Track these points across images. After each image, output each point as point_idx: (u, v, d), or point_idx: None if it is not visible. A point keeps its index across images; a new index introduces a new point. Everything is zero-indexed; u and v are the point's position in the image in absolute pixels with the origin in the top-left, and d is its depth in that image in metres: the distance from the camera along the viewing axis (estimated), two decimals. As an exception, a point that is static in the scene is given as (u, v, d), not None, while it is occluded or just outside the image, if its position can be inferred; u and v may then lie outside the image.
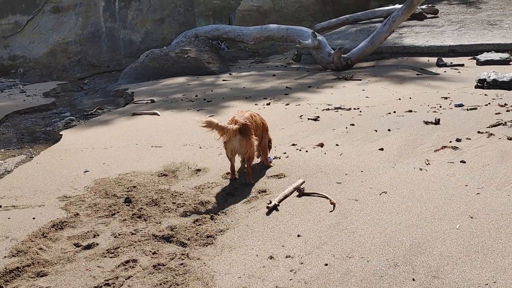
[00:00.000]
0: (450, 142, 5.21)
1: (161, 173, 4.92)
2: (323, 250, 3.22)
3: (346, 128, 6.08)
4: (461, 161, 4.61)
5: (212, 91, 9.35)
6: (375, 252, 3.14)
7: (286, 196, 4.10)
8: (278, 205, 3.92)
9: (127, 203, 4.20)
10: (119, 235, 3.64)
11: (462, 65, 9.97)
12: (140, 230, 3.70)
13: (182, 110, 7.85)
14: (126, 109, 8.39)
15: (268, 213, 3.83)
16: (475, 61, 10.19)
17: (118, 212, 4.06)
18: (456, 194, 3.90)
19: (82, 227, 3.84)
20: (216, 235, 3.54)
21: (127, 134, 6.58)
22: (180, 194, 4.34)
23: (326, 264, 3.04)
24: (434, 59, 10.54)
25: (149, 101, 8.81)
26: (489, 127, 5.63)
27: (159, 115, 7.64)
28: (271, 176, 4.63)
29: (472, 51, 10.69)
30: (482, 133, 5.42)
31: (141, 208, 4.08)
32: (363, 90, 8.42)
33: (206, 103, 8.29)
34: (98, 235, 3.69)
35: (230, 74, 11.19)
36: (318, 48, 10.66)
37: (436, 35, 11.88)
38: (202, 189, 4.44)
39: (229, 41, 14.52)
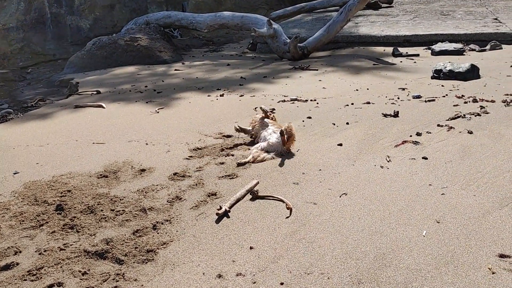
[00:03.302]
0: (411, 136, 4.93)
1: (101, 174, 4.38)
2: (279, 265, 2.82)
3: (303, 121, 5.72)
4: (423, 157, 4.33)
5: (163, 81, 8.78)
6: (336, 266, 2.77)
7: (238, 200, 3.67)
8: (229, 211, 3.49)
9: (58, 211, 3.66)
10: (44, 251, 3.12)
11: (418, 55, 9.83)
12: (70, 245, 3.19)
13: (129, 102, 7.26)
14: (69, 101, 7.70)
15: (217, 221, 3.39)
16: (430, 51, 10.07)
17: (47, 222, 3.52)
18: (420, 195, 3.59)
19: (2, 241, 3.28)
20: (158, 249, 3.08)
21: (67, 129, 5.96)
22: (120, 200, 3.84)
23: (282, 283, 2.64)
24: (390, 49, 10.36)
25: (95, 92, 8.15)
26: (448, 119, 5.40)
27: (104, 108, 7.03)
28: (222, 177, 4.19)
29: (426, 41, 10.58)
30: (442, 126, 5.18)
31: (74, 217, 3.55)
32: (320, 80, 8.10)
33: (156, 94, 7.73)
34: (20, 252, 3.14)
35: (183, 63, 10.62)
36: (273, 37, 10.24)
37: (391, 25, 11.72)
38: (145, 193, 3.95)
39: (183, 29, 13.88)
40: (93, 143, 5.36)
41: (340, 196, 3.65)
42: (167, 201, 3.76)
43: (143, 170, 4.45)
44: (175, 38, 13.61)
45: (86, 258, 3.02)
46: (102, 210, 3.65)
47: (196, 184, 4.05)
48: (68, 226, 3.43)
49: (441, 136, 4.87)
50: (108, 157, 4.86)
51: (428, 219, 3.23)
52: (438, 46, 9.95)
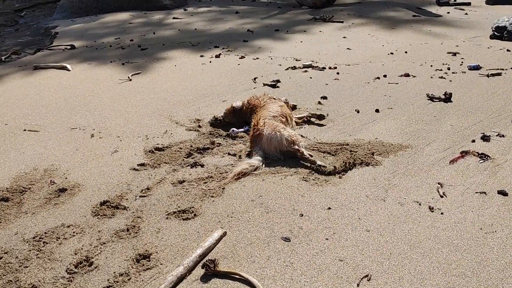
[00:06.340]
0: (473, 141, 3.12)
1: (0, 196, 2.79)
2: None
3: (319, 102, 3.94)
4: (500, 192, 2.54)
5: (154, 33, 6.99)
6: None
7: (181, 279, 2.04)
8: (155, 314, 1.86)
9: None
10: None
11: (469, 3, 7.64)
12: None
13: (102, 63, 5.56)
14: (32, 59, 6.04)
15: (129, 338, 1.78)
16: (484, -2, 7.85)
17: None
18: (504, 286, 1.87)
19: None
20: None
21: (5, 105, 4.35)
22: (-3, 258, 2.26)
23: None
24: (433, -5, 8.17)
25: (68, 47, 6.45)
26: (527, 111, 3.53)
27: (69, 70, 5.36)
28: (172, 213, 2.53)
29: (480, -15, 8.27)
30: (519, 123, 3.33)
31: None
32: (344, 37, 6.15)
33: (139, 52, 5.99)
34: None
35: (185, 9, 8.70)
36: (292, -21, 8.14)
37: (436, -35, 9.32)
38: (44, 244, 2.35)
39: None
40: (25, 130, 3.76)
41: (357, 285, 1.96)
42: (67, 270, 2.15)
43: (63, 190, 2.83)
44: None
45: None
46: (-46, 286, 2.08)
47: (128, 229, 2.42)
48: None
49: (523, 145, 3.04)
50: (29, 158, 3.26)
51: None
52: (495, -7, 7.69)
